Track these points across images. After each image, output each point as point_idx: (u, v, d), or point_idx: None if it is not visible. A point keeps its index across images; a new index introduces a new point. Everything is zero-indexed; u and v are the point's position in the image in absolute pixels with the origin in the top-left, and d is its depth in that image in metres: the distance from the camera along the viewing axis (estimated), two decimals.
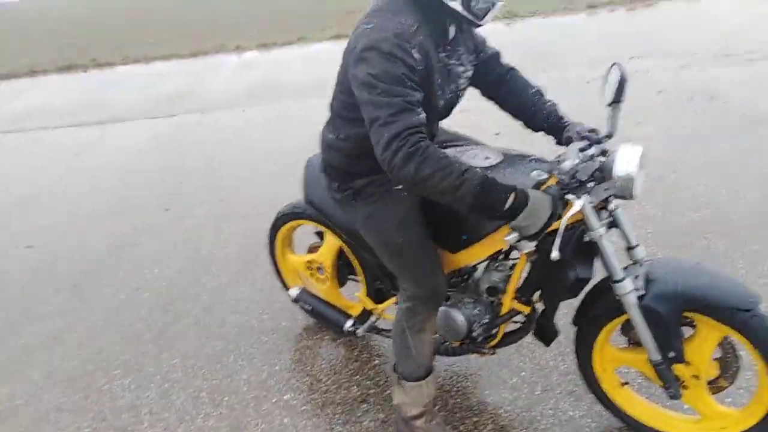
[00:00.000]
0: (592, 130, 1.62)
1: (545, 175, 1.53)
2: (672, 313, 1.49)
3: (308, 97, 6.43)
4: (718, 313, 1.46)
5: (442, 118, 1.67)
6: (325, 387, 2.21)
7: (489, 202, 1.39)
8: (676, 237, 2.85)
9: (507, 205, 1.38)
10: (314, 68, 8.10)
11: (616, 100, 1.52)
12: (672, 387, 1.58)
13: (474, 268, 1.88)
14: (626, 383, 1.82)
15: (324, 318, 2.34)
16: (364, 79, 1.41)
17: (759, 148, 3.75)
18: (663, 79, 5.53)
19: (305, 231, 2.41)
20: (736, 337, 1.49)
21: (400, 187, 1.65)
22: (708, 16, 8.29)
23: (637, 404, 1.79)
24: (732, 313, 1.44)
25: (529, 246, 1.51)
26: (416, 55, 1.42)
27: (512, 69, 1.81)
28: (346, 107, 1.60)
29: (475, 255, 1.75)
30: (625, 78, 1.50)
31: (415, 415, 1.84)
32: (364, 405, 2.09)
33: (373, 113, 1.40)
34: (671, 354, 1.53)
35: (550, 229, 1.41)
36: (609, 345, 1.74)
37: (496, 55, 1.81)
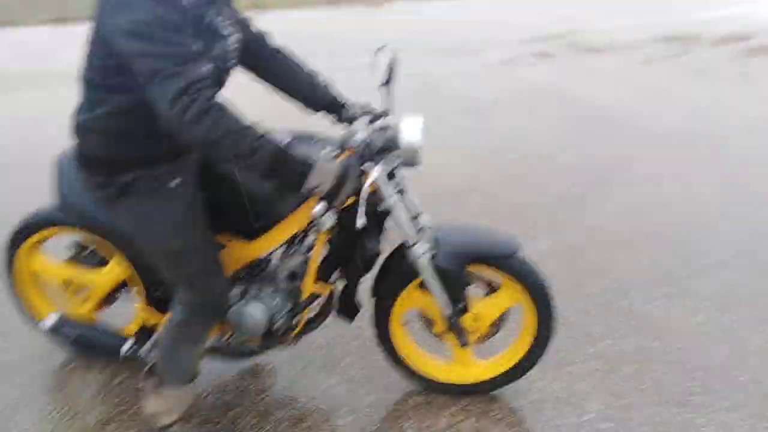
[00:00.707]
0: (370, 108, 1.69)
1: (337, 151, 1.54)
2: (458, 268, 1.68)
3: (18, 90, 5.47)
4: (491, 261, 1.71)
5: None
6: (59, 416, 1.92)
7: (284, 168, 1.35)
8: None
9: (300, 171, 1.36)
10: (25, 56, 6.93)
11: (388, 81, 1.60)
12: (462, 336, 1.76)
13: (268, 258, 1.78)
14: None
15: (92, 346, 1.99)
16: (132, 29, 1.22)
17: (471, 127, 4.44)
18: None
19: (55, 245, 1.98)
20: (509, 281, 1.73)
21: (174, 184, 1.50)
22: (423, 16, 9.45)
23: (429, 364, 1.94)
24: (501, 259, 1.71)
25: (331, 220, 1.52)
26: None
27: (282, 49, 1.72)
28: (105, 73, 1.37)
29: (274, 239, 1.67)
30: (396, 60, 1.59)
31: (170, 424, 1.73)
32: (112, 425, 1.87)
33: (153, 65, 1.23)
34: (460, 305, 1.72)
35: (349, 202, 1.48)
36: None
37: (264, 35, 1.70)
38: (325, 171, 1.39)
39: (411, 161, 1.55)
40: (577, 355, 2.09)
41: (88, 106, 1.45)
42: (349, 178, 1.43)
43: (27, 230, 1.91)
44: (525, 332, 1.82)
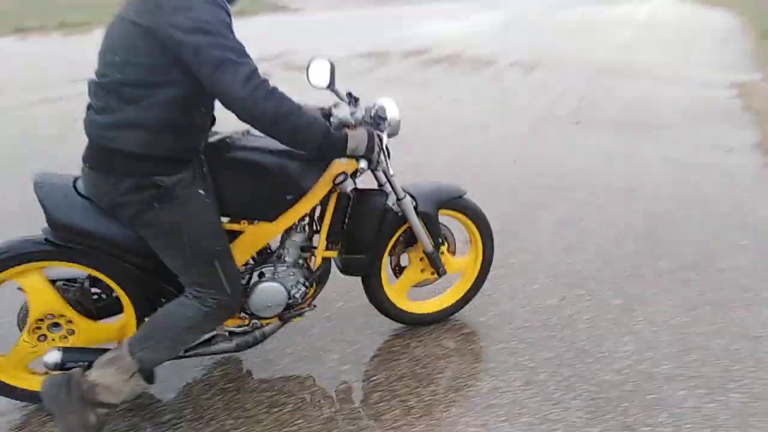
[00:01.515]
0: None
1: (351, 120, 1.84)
2: (434, 212, 2.15)
3: None
4: (452, 202, 2.22)
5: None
6: None
7: (331, 139, 1.63)
8: None
9: (341, 141, 1.66)
10: None
11: (332, 83, 1.95)
12: (440, 268, 2.21)
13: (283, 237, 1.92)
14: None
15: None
16: (195, 26, 1.38)
17: None
18: None
19: None
20: (463, 218, 2.27)
21: (202, 191, 1.62)
22: None
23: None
24: (454, 201, 2.23)
25: (351, 184, 1.87)
26: (227, 8, 1.47)
27: None
28: (149, 71, 1.46)
29: (298, 212, 1.85)
30: (333, 64, 1.94)
31: (109, 404, 1.62)
32: None
33: (220, 54, 1.39)
34: (438, 240, 2.17)
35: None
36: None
37: None
38: (358, 138, 1.71)
39: (395, 132, 1.94)
40: None
41: (125, 104, 1.48)
42: (375, 142, 1.76)
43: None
44: (476, 257, 2.37)
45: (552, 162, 4.36)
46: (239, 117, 1.49)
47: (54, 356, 1.67)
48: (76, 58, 7.88)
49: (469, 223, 2.30)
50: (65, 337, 1.76)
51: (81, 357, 1.71)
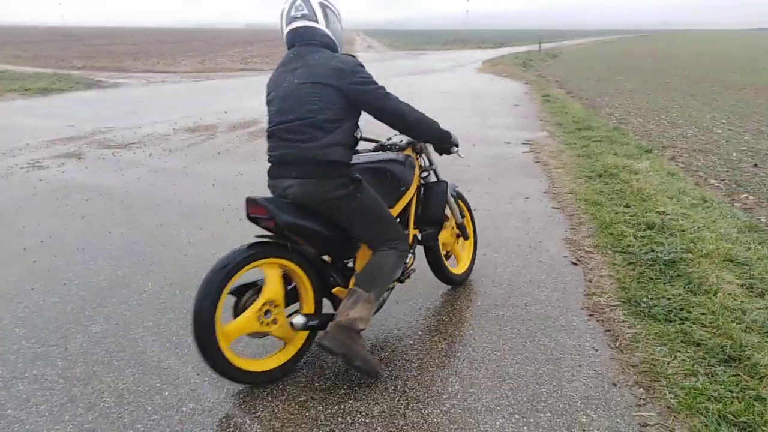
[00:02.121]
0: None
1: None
2: (458, 196, 3.40)
3: None
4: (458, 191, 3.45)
5: None
6: None
7: (448, 135, 2.78)
8: None
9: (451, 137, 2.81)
10: None
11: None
12: (466, 232, 3.46)
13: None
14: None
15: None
16: (365, 80, 2.37)
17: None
18: None
19: None
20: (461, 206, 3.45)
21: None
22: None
23: None
24: (458, 191, 3.44)
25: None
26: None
27: None
28: (340, 111, 2.35)
29: (405, 199, 2.79)
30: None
31: (361, 330, 2.37)
32: None
33: (380, 90, 2.39)
34: (463, 215, 3.43)
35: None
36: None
37: None
38: (455, 137, 2.85)
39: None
40: None
41: (325, 132, 2.32)
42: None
43: (237, 266, 2.28)
44: (471, 234, 3.55)
45: None
46: (397, 125, 2.51)
47: (301, 319, 2.42)
48: None
49: (464, 208, 3.45)
50: (269, 324, 2.37)
51: (317, 318, 2.49)
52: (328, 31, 2.45)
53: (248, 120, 9.49)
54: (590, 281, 3.47)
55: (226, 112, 10.30)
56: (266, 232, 2.45)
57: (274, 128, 2.41)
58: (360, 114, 2.46)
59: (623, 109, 11.28)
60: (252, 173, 6.09)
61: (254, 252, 2.31)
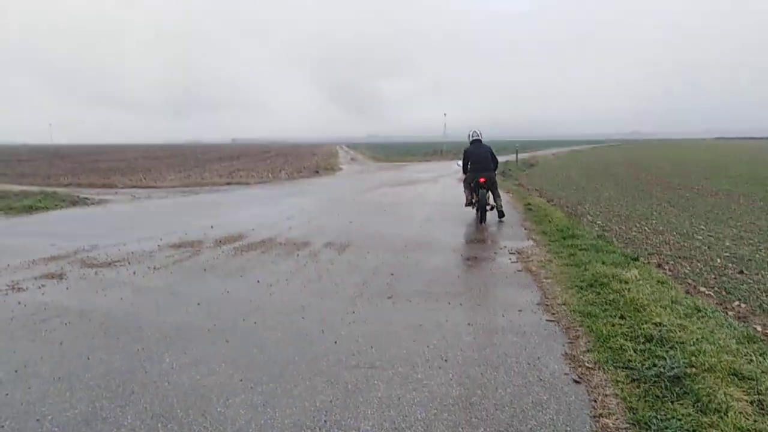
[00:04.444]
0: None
1: None
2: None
3: None
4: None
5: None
6: None
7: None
8: None
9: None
10: None
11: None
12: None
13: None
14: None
15: None
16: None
17: None
18: None
19: None
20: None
21: None
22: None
23: None
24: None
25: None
26: None
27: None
28: (494, 161, 11.22)
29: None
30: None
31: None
32: None
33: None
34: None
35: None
36: None
37: None
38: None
39: None
40: None
41: (491, 169, 11.04)
42: None
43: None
44: None
45: (370, 340, 4.46)
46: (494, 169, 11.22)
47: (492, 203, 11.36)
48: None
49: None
50: None
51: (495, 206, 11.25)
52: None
53: (234, 234, 9.50)
54: (595, 401, 3.32)
55: (212, 227, 10.32)
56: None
57: (476, 165, 10.90)
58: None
59: (604, 216, 11.59)
60: (240, 291, 5.97)
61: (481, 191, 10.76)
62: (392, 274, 6.65)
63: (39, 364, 4.04)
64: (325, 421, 3.17)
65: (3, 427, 3.14)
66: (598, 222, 10.74)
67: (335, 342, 4.41)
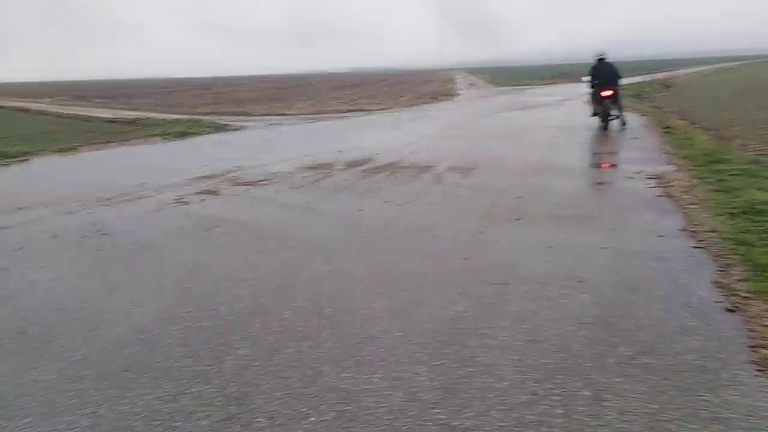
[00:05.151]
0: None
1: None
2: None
3: None
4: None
5: None
6: None
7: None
8: None
9: None
10: None
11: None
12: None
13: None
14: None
15: None
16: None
17: (153, 264, 4.50)
18: (55, 224, 5.78)
19: None
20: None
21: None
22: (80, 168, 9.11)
23: None
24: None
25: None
26: None
27: None
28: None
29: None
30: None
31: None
32: None
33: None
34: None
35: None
36: None
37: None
38: None
39: None
40: None
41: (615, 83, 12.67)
42: None
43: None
44: None
45: (500, 258, 4.54)
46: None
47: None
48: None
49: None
50: None
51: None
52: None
53: (360, 158, 9.84)
54: (754, 331, 3.14)
55: (340, 151, 10.76)
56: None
57: (601, 80, 12.35)
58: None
59: (759, 140, 10.35)
60: (371, 209, 6.27)
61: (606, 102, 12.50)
62: (519, 197, 6.57)
63: (209, 265, 4.63)
64: (461, 329, 3.34)
65: (190, 311, 3.71)
66: (753, 145, 9.63)
67: (466, 258, 4.54)
